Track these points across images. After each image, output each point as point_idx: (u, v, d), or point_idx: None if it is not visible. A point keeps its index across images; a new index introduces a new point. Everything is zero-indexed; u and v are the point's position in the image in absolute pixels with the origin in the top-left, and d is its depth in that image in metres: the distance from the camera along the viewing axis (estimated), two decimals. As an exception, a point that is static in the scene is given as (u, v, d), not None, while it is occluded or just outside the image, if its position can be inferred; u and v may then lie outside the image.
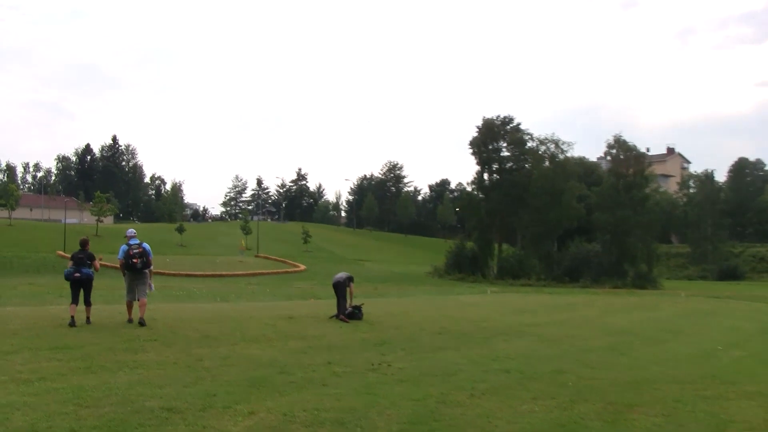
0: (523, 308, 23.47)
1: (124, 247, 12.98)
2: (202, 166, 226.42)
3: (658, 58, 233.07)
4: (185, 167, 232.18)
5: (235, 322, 13.93)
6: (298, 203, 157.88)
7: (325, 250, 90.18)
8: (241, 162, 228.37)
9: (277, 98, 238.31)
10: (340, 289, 15.75)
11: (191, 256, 71.37)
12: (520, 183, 70.86)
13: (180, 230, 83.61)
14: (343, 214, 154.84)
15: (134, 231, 13.45)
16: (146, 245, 13.11)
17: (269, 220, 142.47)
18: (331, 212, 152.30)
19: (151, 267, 13.26)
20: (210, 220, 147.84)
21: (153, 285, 13.88)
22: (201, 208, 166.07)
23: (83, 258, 12.76)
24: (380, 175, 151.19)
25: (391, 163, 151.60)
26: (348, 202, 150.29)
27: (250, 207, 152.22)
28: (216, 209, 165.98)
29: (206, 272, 58.99)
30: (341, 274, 16.27)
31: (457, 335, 13.68)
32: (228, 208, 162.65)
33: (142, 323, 12.72)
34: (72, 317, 12.34)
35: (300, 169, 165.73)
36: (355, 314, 15.56)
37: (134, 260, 12.85)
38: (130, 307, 13.20)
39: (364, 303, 16.54)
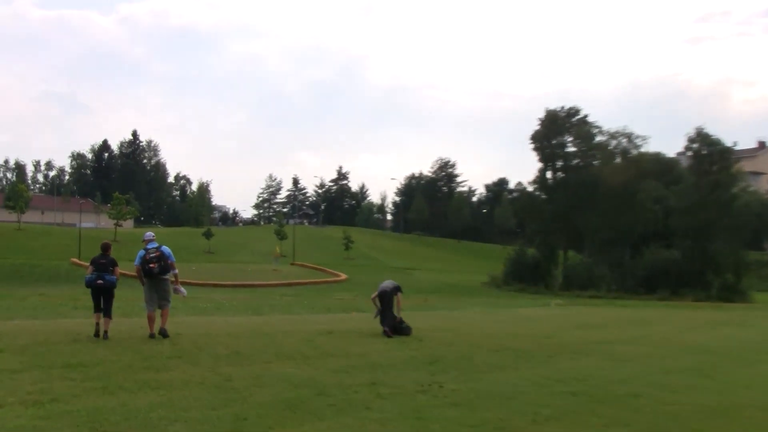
0: (592, 323, 23.18)
1: (141, 252, 13.24)
2: (231, 165, 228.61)
3: (746, 39, 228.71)
4: (213, 165, 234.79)
5: (268, 338, 14.02)
6: (339, 205, 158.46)
7: (369, 257, 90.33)
8: (276, 160, 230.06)
9: (316, 90, 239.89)
10: (386, 299, 15.79)
11: (220, 264, 72.13)
12: (587, 182, 70.12)
13: (207, 235, 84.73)
14: (389, 217, 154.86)
15: (152, 234, 13.69)
16: (165, 248, 13.37)
17: (306, 224, 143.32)
18: (375, 215, 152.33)
19: (176, 271, 13.52)
20: (241, 224, 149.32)
21: (183, 289, 14.16)
22: (231, 211, 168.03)
23: (105, 264, 13.00)
24: (430, 174, 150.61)
25: (442, 160, 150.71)
26: (394, 203, 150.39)
27: (285, 209, 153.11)
28: (247, 212, 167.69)
29: (236, 282, 59.38)
30: (388, 283, 16.29)
31: (516, 353, 13.56)
32: (261, 211, 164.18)
33: (163, 334, 12.97)
34: (96, 325, 12.69)
35: (341, 168, 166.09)
36: (403, 329, 15.60)
37: (151, 265, 13.08)
38: (151, 320, 13.34)
39: (403, 322, 16.33)
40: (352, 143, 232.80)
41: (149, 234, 13.64)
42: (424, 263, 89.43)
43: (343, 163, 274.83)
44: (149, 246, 13.24)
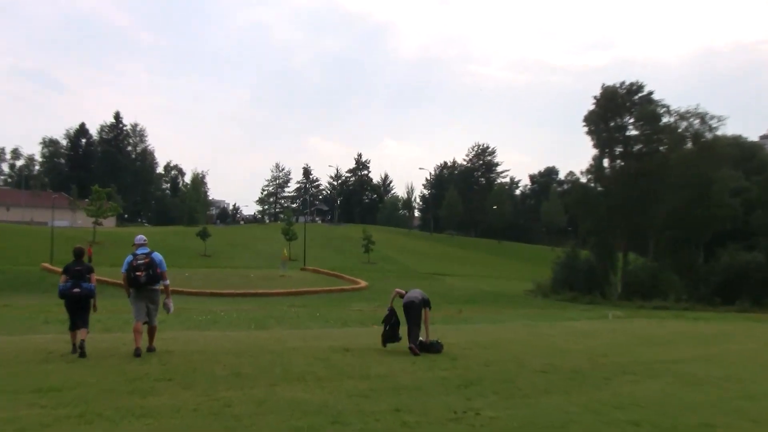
0: (657, 338, 22.94)
1: (129, 257, 13.45)
2: (231, 153, 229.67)
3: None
4: (210, 154, 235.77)
5: (274, 356, 14.07)
6: (358, 200, 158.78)
7: (393, 261, 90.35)
8: (284, 147, 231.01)
9: (331, 64, 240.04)
10: (414, 311, 15.77)
11: (217, 270, 72.40)
12: (652, 171, 69.74)
13: (203, 235, 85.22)
14: (416, 213, 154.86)
15: (144, 238, 13.91)
16: (157, 255, 13.59)
17: (320, 221, 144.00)
18: (400, 211, 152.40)
19: (166, 282, 13.72)
20: (242, 222, 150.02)
21: (172, 304, 14.30)
22: (231, 207, 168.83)
23: (81, 271, 13.24)
24: (465, 163, 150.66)
25: (479, 146, 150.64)
26: (423, 198, 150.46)
27: (294, 205, 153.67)
28: (250, 208, 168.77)
29: (237, 290, 59.42)
30: (415, 292, 16.26)
31: (567, 374, 13.53)
32: (266, 207, 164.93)
33: (150, 350, 13.32)
34: (74, 345, 12.89)
35: (360, 156, 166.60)
36: (432, 345, 15.70)
37: (138, 273, 13.30)
38: (138, 332, 13.48)
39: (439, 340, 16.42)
40: (374, 127, 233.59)
41: (140, 237, 13.82)
42: (457, 268, 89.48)
43: (362, 150, 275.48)
44: (139, 251, 13.46)
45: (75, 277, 13.11)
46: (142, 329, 13.51)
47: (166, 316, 20.21)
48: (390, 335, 16.06)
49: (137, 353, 13.12)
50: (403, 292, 16.46)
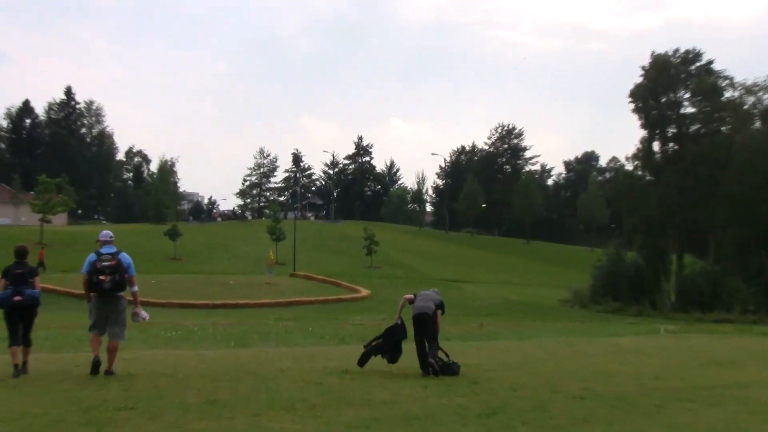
0: (720, 358, 22.93)
1: (91, 256, 13.48)
2: (206, 136, 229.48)
3: None
4: (181, 137, 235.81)
5: (258, 380, 14.07)
6: (358, 191, 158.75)
7: (401, 264, 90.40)
8: (269, 128, 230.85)
9: (325, 31, 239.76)
10: (427, 325, 15.68)
11: (190, 276, 72.44)
12: (713, 156, 69.59)
13: (173, 235, 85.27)
14: (428, 208, 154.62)
15: (110, 234, 13.94)
16: (125, 256, 13.61)
17: (313, 218, 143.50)
18: (409, 206, 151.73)
19: (134, 288, 13.79)
20: (220, 219, 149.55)
21: (145, 313, 14.33)
22: (206, 201, 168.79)
23: (23, 274, 13.14)
24: (487, 147, 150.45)
25: (504, 127, 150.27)
26: (436, 189, 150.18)
27: (282, 198, 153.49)
28: (229, 201, 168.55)
29: (213, 301, 59.11)
30: (426, 298, 16.22)
31: (610, 401, 13.47)
32: (248, 201, 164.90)
33: (109, 373, 13.19)
34: (16, 366, 12.88)
35: (361, 139, 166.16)
36: (447, 366, 15.59)
37: (102, 276, 13.23)
38: (96, 343, 13.53)
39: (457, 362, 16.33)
40: (378, 105, 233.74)
41: (106, 234, 13.85)
42: (478, 273, 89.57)
43: (364, 132, 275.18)
44: (103, 250, 13.45)
45: (16, 283, 13.03)
46: (101, 340, 13.50)
47: (131, 332, 19.31)
48: (383, 349, 15.99)
49: (95, 365, 13.20)
50: (413, 296, 16.39)
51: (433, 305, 15.88)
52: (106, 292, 13.22)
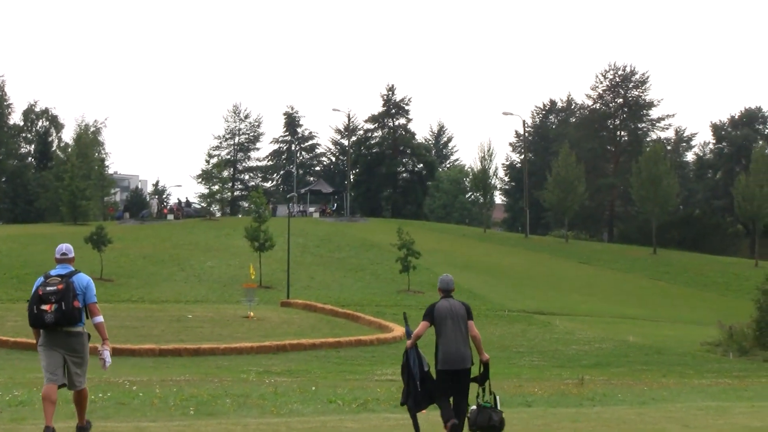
0: None
1: (38, 280, 11.90)
2: (150, 89, 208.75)
3: None
4: (110, 92, 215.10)
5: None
6: (387, 173, 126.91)
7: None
8: (247, 77, 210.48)
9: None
10: (460, 383, 13.27)
11: (126, 305, 59.14)
12: None
13: (98, 242, 67.39)
14: (498, 199, 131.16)
15: (69, 248, 12.19)
16: (81, 277, 11.85)
17: (317, 214, 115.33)
18: (468, 195, 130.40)
19: (98, 319, 11.96)
20: (172, 217, 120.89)
21: (108, 355, 12.29)
22: (149, 188, 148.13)
23: None
24: (591, 102, 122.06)
25: (616, 70, 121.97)
26: (511, 168, 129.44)
27: (269, 184, 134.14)
28: (186, 188, 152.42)
29: (162, 345, 48.00)
30: (458, 330, 13.84)
31: None
32: (215, 187, 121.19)
33: (82, 430, 12.12)
34: None
35: (392, 90, 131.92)
36: (490, 420, 12.94)
37: (44, 306, 11.39)
38: (49, 400, 11.43)
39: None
40: (417, 38, 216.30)
41: (63, 247, 12.13)
42: (576, 301, 73.66)
43: (395, 81, 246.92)
44: (53, 271, 11.74)
45: None
46: (55, 396, 11.58)
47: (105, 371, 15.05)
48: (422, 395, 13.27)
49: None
50: (428, 323, 13.87)
51: (470, 352, 13.58)
52: (51, 328, 11.37)
